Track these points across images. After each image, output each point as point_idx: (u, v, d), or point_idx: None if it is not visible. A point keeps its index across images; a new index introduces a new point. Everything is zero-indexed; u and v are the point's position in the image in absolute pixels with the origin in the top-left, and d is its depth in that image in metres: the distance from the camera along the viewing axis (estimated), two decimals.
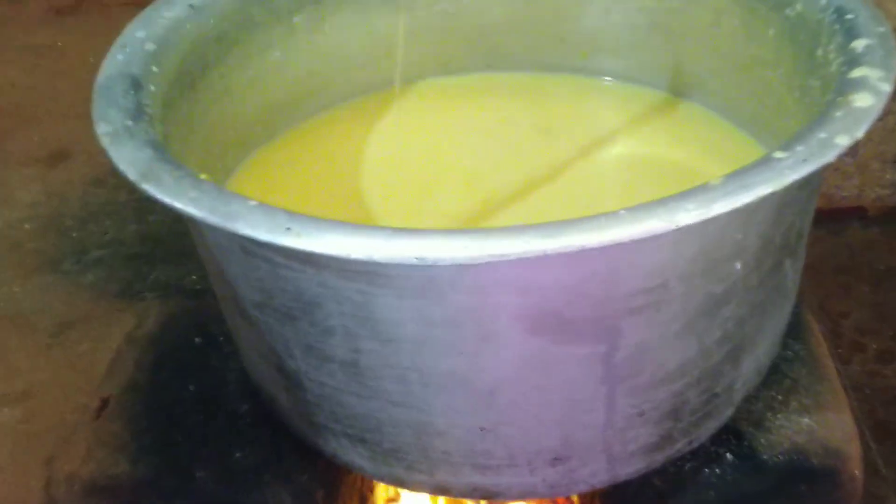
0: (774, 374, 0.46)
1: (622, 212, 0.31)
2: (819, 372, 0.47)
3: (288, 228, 0.31)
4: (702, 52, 0.53)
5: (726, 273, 0.36)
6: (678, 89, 0.56)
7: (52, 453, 0.46)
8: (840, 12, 0.42)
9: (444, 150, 0.56)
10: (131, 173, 0.35)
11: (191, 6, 0.47)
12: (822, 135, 0.34)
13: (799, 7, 0.45)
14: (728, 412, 0.43)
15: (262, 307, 0.38)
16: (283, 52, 0.53)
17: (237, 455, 0.45)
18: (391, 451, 0.40)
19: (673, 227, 0.30)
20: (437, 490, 0.42)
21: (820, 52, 0.43)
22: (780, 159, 0.33)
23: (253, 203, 0.33)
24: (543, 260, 0.32)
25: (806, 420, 0.44)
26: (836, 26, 0.41)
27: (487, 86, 0.60)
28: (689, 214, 0.30)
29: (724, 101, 0.53)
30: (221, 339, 0.51)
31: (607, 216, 0.31)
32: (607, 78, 0.58)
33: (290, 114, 0.55)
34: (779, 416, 0.44)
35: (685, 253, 0.34)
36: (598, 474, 0.41)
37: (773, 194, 0.32)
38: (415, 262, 0.30)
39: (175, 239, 0.61)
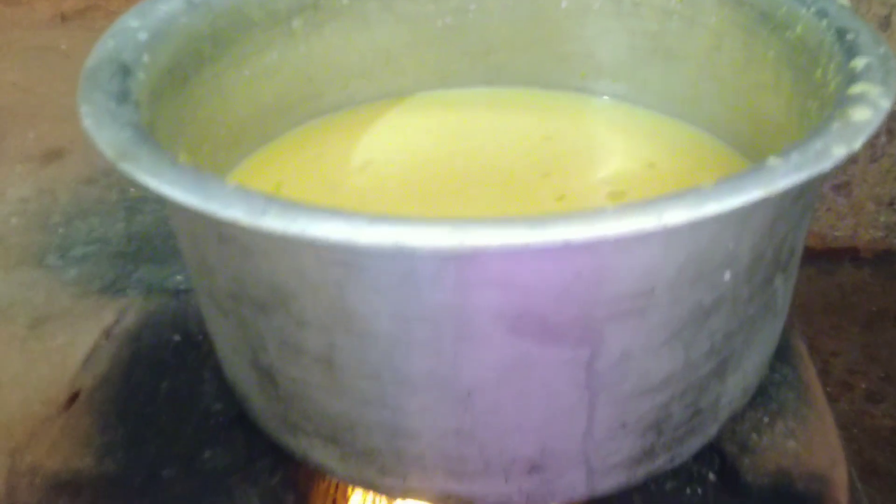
0: (761, 397, 0.45)
1: (610, 208, 0.30)
2: (806, 396, 0.46)
3: (265, 211, 0.31)
4: (702, 76, 0.53)
5: (716, 282, 0.35)
6: (676, 111, 0.55)
7: (16, 444, 0.45)
8: (840, 33, 0.41)
9: (438, 161, 0.55)
10: (110, 152, 0.34)
11: (187, 1, 0.47)
12: (819, 145, 0.33)
13: (799, 29, 0.45)
14: (712, 430, 0.42)
15: (238, 298, 0.37)
16: (280, 54, 0.52)
17: (206, 455, 0.44)
18: (363, 452, 0.39)
19: (661, 225, 0.29)
20: (409, 495, 0.41)
21: (819, 72, 0.42)
22: (774, 166, 0.32)
23: (231, 186, 0.32)
24: (528, 256, 0.32)
25: (791, 443, 0.43)
26: (836, 46, 0.41)
27: (485, 101, 0.60)
28: (679, 214, 0.30)
29: (722, 124, 0.53)
30: (200, 337, 0.50)
31: (595, 212, 0.30)
32: (606, 97, 0.58)
33: (285, 118, 0.55)
34: (764, 437, 0.43)
35: (674, 259, 0.33)
36: (576, 486, 0.40)
37: (765, 201, 0.31)
38: (393, 247, 0.29)
39: (162, 240, 0.59)
